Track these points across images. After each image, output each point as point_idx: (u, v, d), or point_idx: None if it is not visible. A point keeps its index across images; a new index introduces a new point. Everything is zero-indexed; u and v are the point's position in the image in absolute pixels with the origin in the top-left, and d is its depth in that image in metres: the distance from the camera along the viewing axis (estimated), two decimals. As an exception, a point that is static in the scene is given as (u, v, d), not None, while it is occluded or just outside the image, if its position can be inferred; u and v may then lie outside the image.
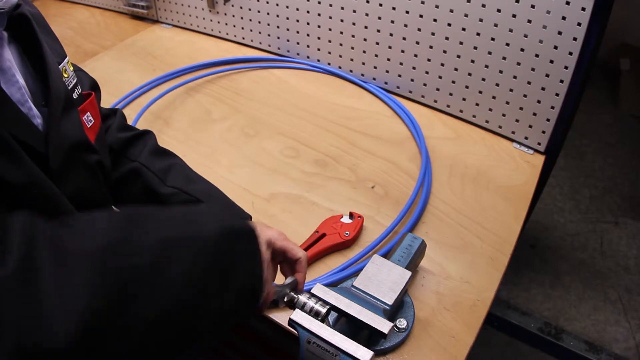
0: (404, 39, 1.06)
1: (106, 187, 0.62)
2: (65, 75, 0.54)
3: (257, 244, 0.47)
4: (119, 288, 0.35)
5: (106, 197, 0.62)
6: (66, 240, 0.35)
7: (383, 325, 0.56)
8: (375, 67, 1.16)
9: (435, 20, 0.99)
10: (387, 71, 1.14)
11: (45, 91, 0.48)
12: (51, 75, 0.49)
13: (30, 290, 0.31)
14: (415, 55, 1.07)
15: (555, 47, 0.88)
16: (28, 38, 0.49)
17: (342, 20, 1.14)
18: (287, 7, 1.21)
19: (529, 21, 0.89)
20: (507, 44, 0.93)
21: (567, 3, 0.83)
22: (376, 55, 1.14)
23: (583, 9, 0.82)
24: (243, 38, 1.36)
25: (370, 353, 0.52)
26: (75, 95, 0.55)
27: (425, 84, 1.10)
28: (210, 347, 0.98)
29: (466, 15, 0.95)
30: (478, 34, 0.96)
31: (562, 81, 0.91)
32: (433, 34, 1.01)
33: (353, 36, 1.14)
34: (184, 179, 0.68)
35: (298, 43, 1.26)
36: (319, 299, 0.58)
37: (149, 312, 0.36)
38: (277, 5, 1.22)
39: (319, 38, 1.21)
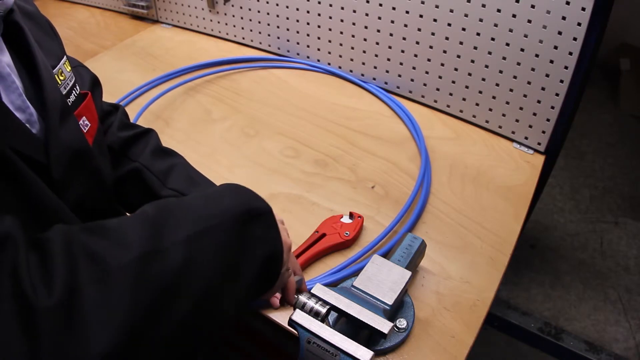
0: (404, 39, 1.06)
1: (109, 193, 0.61)
2: (62, 78, 0.53)
3: (274, 220, 0.48)
4: (155, 298, 0.36)
5: (110, 203, 0.62)
6: (104, 256, 0.35)
7: (383, 325, 0.56)
8: (375, 67, 1.16)
9: (435, 20, 0.99)
10: (387, 71, 1.14)
11: (40, 100, 0.48)
12: (45, 84, 0.48)
13: (75, 318, 0.32)
14: (415, 55, 1.07)
15: (555, 47, 0.88)
16: (20, 45, 0.48)
17: (342, 20, 1.14)
18: (287, 7, 1.21)
19: (529, 21, 0.89)
20: (507, 44, 0.93)
21: (567, 3, 0.83)
22: (376, 55, 1.14)
23: (583, 9, 0.82)
24: (243, 38, 1.36)
25: (370, 353, 0.52)
26: (72, 98, 0.54)
27: (425, 84, 1.10)
28: (212, 345, 0.98)
29: (466, 15, 0.95)
30: (478, 34, 0.96)
31: (562, 81, 0.91)
32: (433, 34, 1.02)
33: (353, 36, 1.14)
34: (185, 180, 0.67)
35: (298, 43, 1.26)
36: (319, 299, 0.58)
37: (183, 312, 0.38)
38: (277, 5, 1.22)
39: (319, 38, 1.21)
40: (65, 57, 0.56)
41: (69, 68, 0.56)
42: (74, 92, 0.55)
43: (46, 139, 0.47)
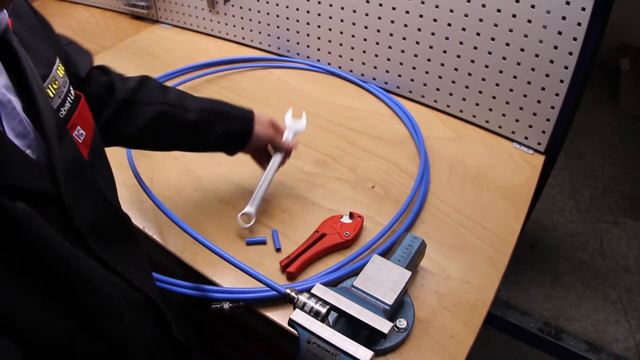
0: (404, 39, 1.06)
1: (116, 204, 0.61)
2: (55, 87, 0.51)
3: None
4: None
5: (122, 217, 0.61)
6: None
7: (383, 325, 0.56)
8: (375, 67, 1.16)
9: (435, 20, 0.99)
10: (387, 71, 1.14)
11: (37, 122, 0.45)
12: (40, 108, 0.46)
13: None
14: (415, 55, 1.07)
15: (555, 47, 0.88)
16: (13, 65, 0.45)
17: (342, 20, 1.14)
18: (287, 7, 1.21)
19: (529, 21, 0.89)
20: (507, 44, 0.93)
21: (567, 3, 0.83)
22: (376, 55, 1.14)
23: (583, 9, 0.82)
24: (243, 38, 1.36)
25: (370, 353, 0.52)
26: (67, 105, 0.52)
27: (425, 84, 1.10)
28: (211, 347, 0.98)
29: (466, 15, 0.95)
30: (478, 34, 0.96)
31: (562, 81, 0.91)
32: (433, 34, 1.02)
33: (353, 36, 1.14)
34: (197, 100, 0.78)
35: (298, 43, 1.26)
36: (319, 299, 0.58)
37: None
38: (277, 5, 1.22)
39: (319, 38, 1.21)
40: (57, 58, 0.53)
41: (62, 72, 0.53)
42: (68, 99, 0.53)
43: (51, 164, 0.45)
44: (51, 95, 0.50)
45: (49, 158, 0.46)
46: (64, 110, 0.51)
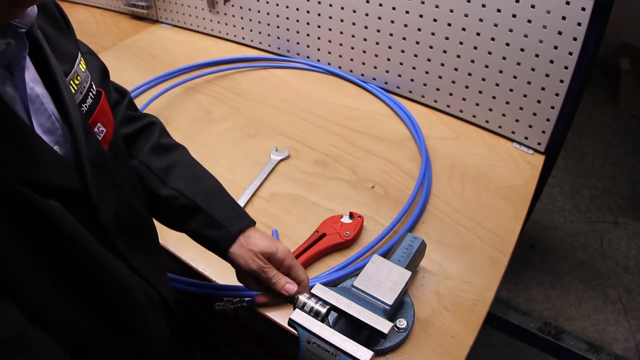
0: (404, 39, 1.06)
1: (137, 200, 0.60)
2: (77, 82, 0.50)
3: None
4: None
5: (143, 215, 0.60)
6: None
7: (383, 325, 0.56)
8: (375, 67, 1.16)
9: (435, 20, 0.99)
10: (387, 71, 1.14)
11: (64, 118, 0.45)
12: (68, 106, 0.45)
13: None
14: (415, 55, 1.07)
15: (555, 47, 0.88)
16: (40, 60, 0.45)
17: (342, 20, 1.14)
18: (287, 7, 1.21)
19: (529, 21, 0.89)
20: (507, 44, 0.93)
21: (567, 3, 0.83)
22: (376, 55, 1.14)
23: (583, 9, 0.82)
24: (243, 38, 1.36)
25: (370, 353, 0.52)
26: (89, 101, 0.51)
27: (425, 84, 1.10)
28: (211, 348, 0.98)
29: (466, 15, 0.95)
30: (478, 34, 0.96)
31: (562, 81, 0.91)
32: (433, 34, 1.01)
33: (353, 36, 1.14)
34: (188, 178, 0.65)
35: (298, 43, 1.26)
36: (319, 299, 0.58)
37: None
38: (277, 5, 1.22)
39: (319, 38, 1.21)
40: (79, 54, 0.52)
41: (84, 67, 0.52)
42: (90, 94, 0.52)
43: (79, 162, 0.45)
44: (73, 90, 0.49)
45: (76, 155, 0.45)
46: (86, 106, 0.51)
